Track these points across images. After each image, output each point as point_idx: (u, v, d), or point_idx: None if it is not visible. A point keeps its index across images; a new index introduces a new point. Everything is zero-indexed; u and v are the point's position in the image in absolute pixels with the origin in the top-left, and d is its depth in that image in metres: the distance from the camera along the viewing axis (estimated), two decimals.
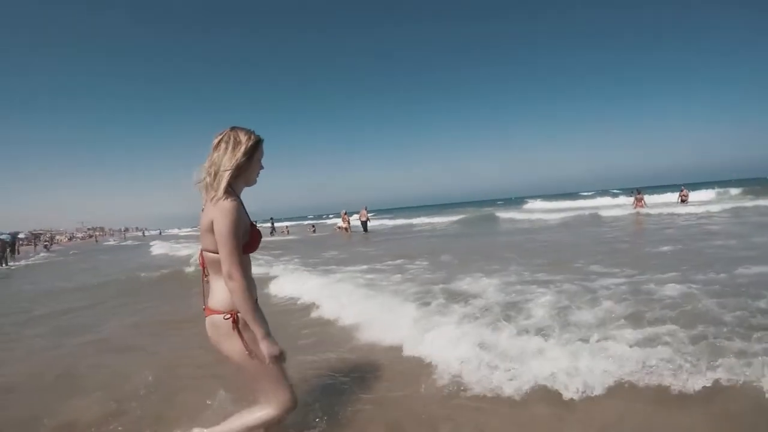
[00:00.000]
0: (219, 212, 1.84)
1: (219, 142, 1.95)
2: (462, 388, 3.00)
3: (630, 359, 2.91)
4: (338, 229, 25.10)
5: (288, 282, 7.46)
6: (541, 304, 4.42)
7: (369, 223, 23.97)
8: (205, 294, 2.05)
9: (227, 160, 1.91)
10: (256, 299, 2.03)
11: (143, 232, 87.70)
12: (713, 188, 30.64)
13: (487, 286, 5.56)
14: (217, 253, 1.86)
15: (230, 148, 1.92)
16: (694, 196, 26.39)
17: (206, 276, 2.05)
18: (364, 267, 8.60)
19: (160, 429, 2.75)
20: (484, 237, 14.86)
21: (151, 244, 28.59)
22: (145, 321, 5.95)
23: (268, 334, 1.90)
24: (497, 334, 3.60)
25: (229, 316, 1.91)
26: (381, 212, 57.08)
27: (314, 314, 5.50)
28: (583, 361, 2.93)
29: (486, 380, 2.98)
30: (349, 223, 24.25)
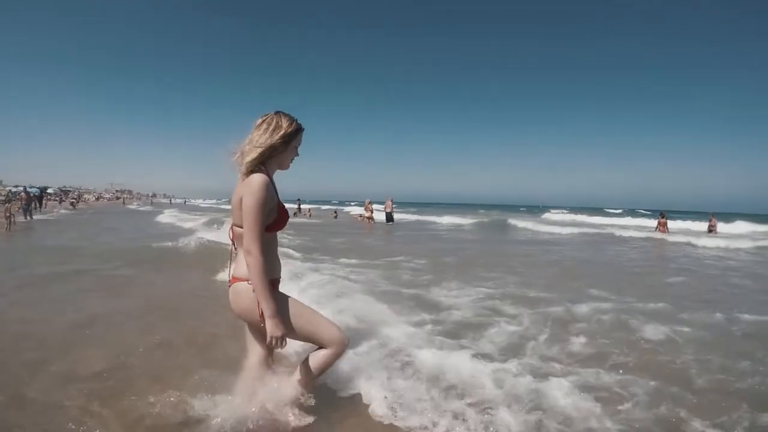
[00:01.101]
0: (248, 188, 1.93)
1: (262, 122, 2.05)
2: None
3: (554, 411, 2.46)
4: (360, 218, 24.80)
5: None
6: (502, 330, 4.05)
7: (394, 215, 23.67)
8: (230, 267, 2.14)
9: (263, 140, 1.99)
10: (279, 278, 2.19)
11: (170, 200, 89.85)
12: (754, 222, 28.52)
13: (465, 298, 5.27)
14: None
15: (271, 129, 2.02)
16: (729, 228, 25.08)
17: (236, 250, 2.13)
18: (358, 261, 8.32)
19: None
20: (494, 244, 14.18)
21: (163, 211, 28.81)
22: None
23: (275, 315, 1.95)
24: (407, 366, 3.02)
25: (251, 282, 1.96)
26: (406, 205, 56.50)
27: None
28: (502, 413, 2.40)
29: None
30: (372, 212, 23.53)
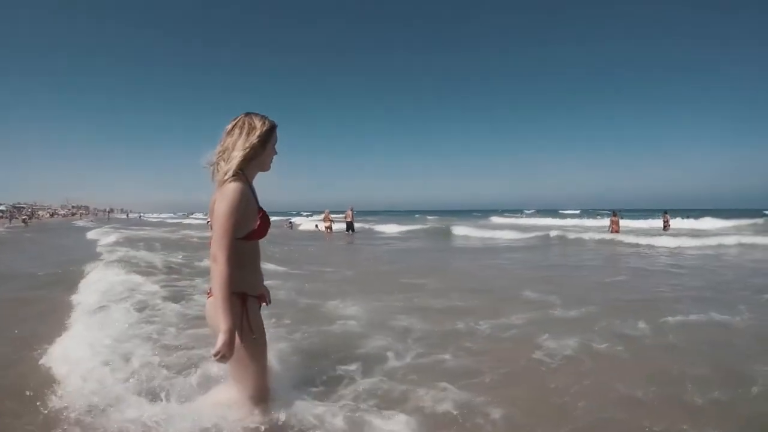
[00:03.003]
0: (221, 194, 1.85)
1: (233, 127, 1.96)
2: None
3: None
4: (317, 228, 24.44)
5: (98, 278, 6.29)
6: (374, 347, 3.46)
7: (354, 225, 23.17)
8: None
9: (240, 145, 1.90)
10: (257, 295, 2.05)
11: (127, 214, 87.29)
12: (726, 218, 29.17)
13: (356, 308, 4.98)
14: None
15: (244, 133, 1.93)
16: (695, 224, 26.26)
17: None
18: (285, 269, 7.93)
19: None
20: (426, 253, 13.27)
21: (102, 227, 26.82)
22: None
23: (230, 331, 1.80)
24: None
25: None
26: (364, 214, 55.94)
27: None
28: None
29: None
30: (332, 222, 23.29)
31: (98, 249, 11.50)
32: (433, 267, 9.60)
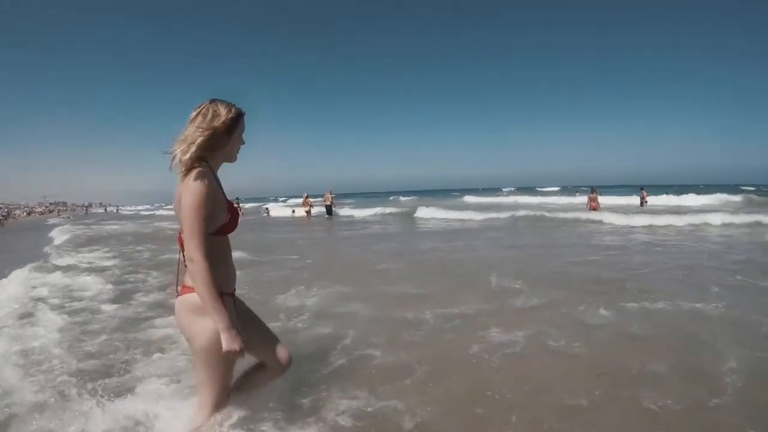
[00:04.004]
0: (186, 188, 1.71)
1: (196, 115, 1.80)
2: None
3: None
4: (293, 214, 24.05)
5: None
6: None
7: (334, 208, 22.83)
8: (179, 276, 1.91)
9: (201, 131, 1.75)
10: (232, 292, 1.95)
11: (105, 208, 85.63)
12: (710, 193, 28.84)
13: (309, 298, 4.73)
14: None
15: (208, 120, 1.78)
16: (677, 201, 26.18)
17: (184, 260, 1.76)
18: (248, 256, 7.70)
19: None
20: (395, 236, 12.39)
21: (65, 225, 25.40)
22: None
23: (229, 326, 1.70)
24: None
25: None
26: (343, 197, 55.37)
27: None
28: None
29: None
30: (311, 206, 22.80)
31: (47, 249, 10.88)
32: (398, 251, 9.04)
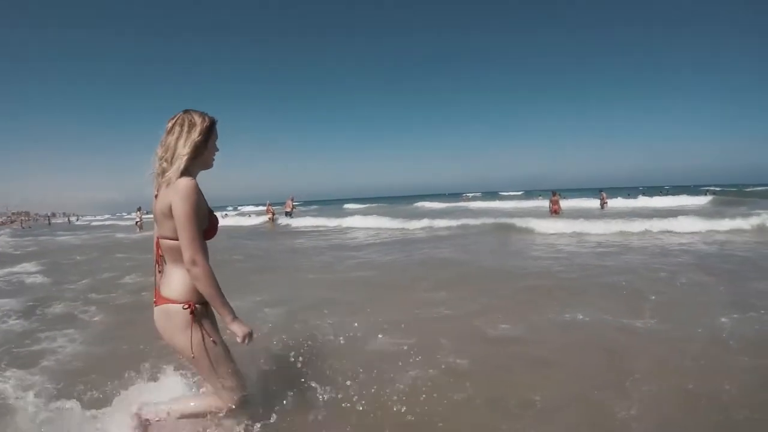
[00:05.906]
0: (178, 195, 1.71)
1: (173, 126, 1.84)
2: None
3: None
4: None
5: None
6: None
7: (293, 214, 23.77)
8: (157, 285, 1.88)
9: (183, 143, 1.80)
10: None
11: (69, 219, 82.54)
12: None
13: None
14: (177, 239, 1.72)
15: (185, 130, 1.83)
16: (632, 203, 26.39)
17: (160, 267, 1.89)
18: None
19: None
20: (328, 248, 11.66)
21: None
22: None
23: (236, 317, 1.79)
24: None
25: (187, 306, 1.77)
26: (307, 204, 54.47)
27: None
28: None
29: None
30: (273, 214, 23.23)
31: None
32: (327, 263, 8.21)
